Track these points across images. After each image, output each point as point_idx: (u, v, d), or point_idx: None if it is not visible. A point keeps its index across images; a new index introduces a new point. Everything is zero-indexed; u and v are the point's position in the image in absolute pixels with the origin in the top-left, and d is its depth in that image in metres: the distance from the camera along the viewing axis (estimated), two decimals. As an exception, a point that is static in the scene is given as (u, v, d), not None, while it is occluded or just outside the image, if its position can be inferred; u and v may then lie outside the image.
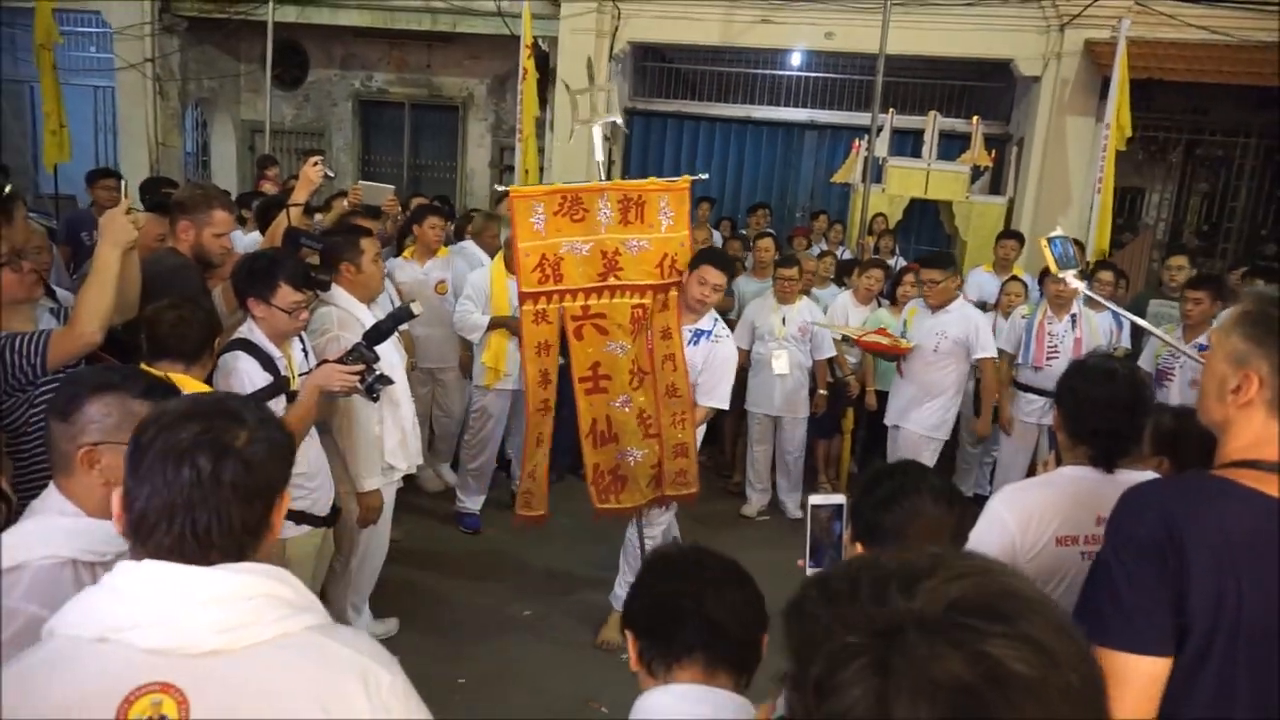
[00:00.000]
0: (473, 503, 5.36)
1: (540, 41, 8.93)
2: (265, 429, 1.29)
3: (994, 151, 9.05)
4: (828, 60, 10.03)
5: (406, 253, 5.60)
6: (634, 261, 3.85)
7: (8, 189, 2.94)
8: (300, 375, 3.16)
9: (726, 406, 4.24)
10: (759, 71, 10.50)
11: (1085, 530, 2.10)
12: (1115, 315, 5.49)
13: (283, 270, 3.07)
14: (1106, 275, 5.60)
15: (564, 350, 3.97)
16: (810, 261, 6.44)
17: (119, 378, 1.79)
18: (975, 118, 8.88)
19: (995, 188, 9.54)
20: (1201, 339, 4.80)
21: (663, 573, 1.60)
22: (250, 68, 10.95)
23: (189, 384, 2.52)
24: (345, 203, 5.74)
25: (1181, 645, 1.42)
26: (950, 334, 5.07)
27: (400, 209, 6.26)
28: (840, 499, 1.79)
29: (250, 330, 3.08)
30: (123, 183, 3.27)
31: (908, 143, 9.15)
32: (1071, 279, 3.14)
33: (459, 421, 5.70)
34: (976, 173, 8.84)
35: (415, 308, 3.28)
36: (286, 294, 3.05)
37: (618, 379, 3.94)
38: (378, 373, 3.11)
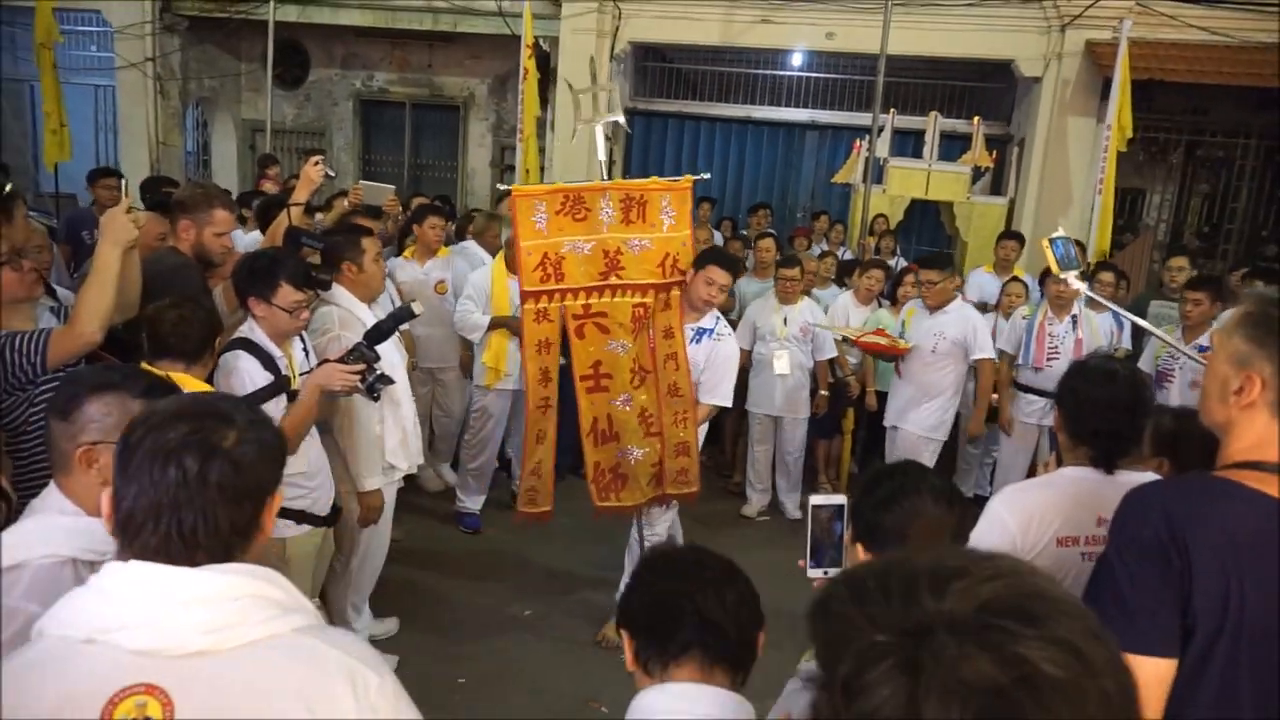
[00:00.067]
0: (473, 503, 5.36)
1: (541, 41, 8.93)
2: (255, 430, 1.29)
3: (995, 152, 9.06)
4: (828, 60, 10.03)
5: (407, 252, 5.60)
6: (635, 261, 3.85)
7: (8, 188, 2.94)
8: (301, 374, 3.16)
9: (729, 404, 4.25)
10: (760, 72, 10.50)
11: (1086, 531, 2.10)
12: (1116, 316, 5.49)
13: (283, 269, 3.07)
14: (1107, 276, 5.60)
15: (565, 350, 3.97)
16: (811, 262, 6.44)
17: (119, 377, 1.79)
18: (976, 118, 8.89)
19: (996, 188, 9.55)
20: (1202, 340, 4.80)
21: (658, 572, 1.60)
22: (251, 67, 10.95)
23: (190, 383, 2.52)
24: (346, 202, 5.74)
25: (1185, 647, 1.42)
26: (948, 334, 5.07)
27: (401, 209, 6.27)
28: (841, 499, 1.79)
29: (251, 329, 3.08)
30: (123, 182, 3.27)
31: (909, 143, 9.15)
32: (1073, 280, 3.14)
33: (459, 421, 5.70)
34: (977, 173, 8.85)
35: (416, 307, 3.29)
36: (287, 293, 3.05)
37: (619, 378, 3.94)
38: (378, 372, 3.11)
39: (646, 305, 3.90)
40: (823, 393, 5.86)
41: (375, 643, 3.91)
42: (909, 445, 5.12)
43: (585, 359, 3.93)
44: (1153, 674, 1.42)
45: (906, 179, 8.48)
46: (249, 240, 4.97)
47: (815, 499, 1.78)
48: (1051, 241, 3.07)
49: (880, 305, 6.10)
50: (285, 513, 3.13)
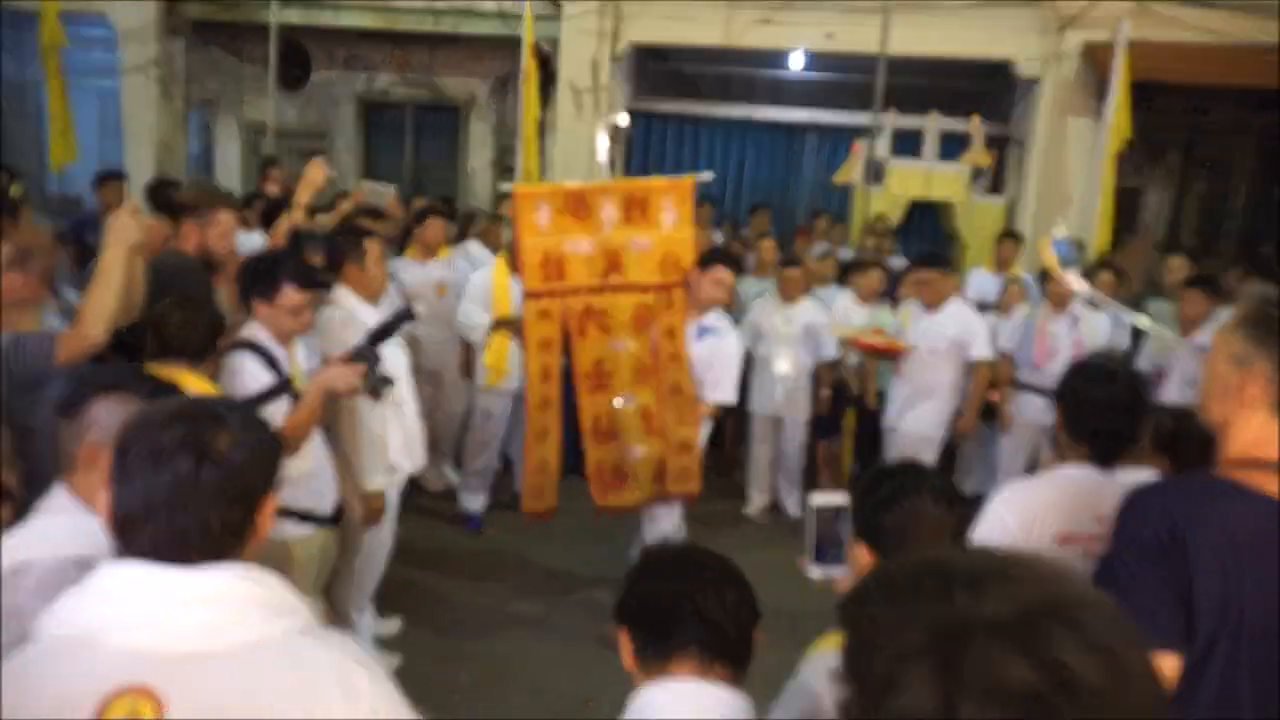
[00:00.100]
0: (475, 503, 5.37)
1: (542, 43, 8.94)
2: (248, 433, 1.29)
3: (994, 152, 9.06)
4: (828, 61, 10.02)
5: (408, 253, 5.61)
6: (636, 260, 3.87)
7: (14, 190, 2.96)
8: (304, 375, 3.17)
9: (734, 400, 4.29)
10: (760, 72, 10.50)
11: (1085, 529, 2.11)
12: (1114, 315, 5.50)
13: (286, 271, 3.08)
14: (1106, 275, 5.61)
15: (566, 349, 4.00)
16: (812, 262, 6.45)
17: (126, 379, 1.81)
18: (975, 118, 8.88)
19: (996, 188, 9.54)
20: (1199, 337, 4.81)
21: (655, 570, 1.61)
22: (254, 69, 10.94)
23: (194, 383, 2.54)
24: (348, 204, 5.75)
25: (1185, 646, 1.43)
26: (945, 334, 5.08)
27: (403, 209, 6.28)
28: (842, 499, 1.79)
29: (254, 330, 3.10)
30: (123, 184, 3.29)
31: (908, 143, 9.14)
32: (1074, 279, 3.16)
33: (460, 421, 5.71)
34: (977, 173, 8.84)
35: (418, 308, 3.30)
36: (290, 294, 3.06)
37: (620, 376, 3.97)
38: (381, 373, 3.12)
39: (648, 304, 3.92)
40: (825, 393, 5.87)
41: (378, 642, 3.92)
42: (908, 445, 5.13)
43: (587, 358, 3.96)
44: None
45: (906, 179, 8.48)
46: (251, 242, 4.99)
47: (816, 498, 1.79)
48: (1053, 241, 3.09)
49: (881, 305, 6.10)
50: (289, 513, 3.15)
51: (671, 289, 3.93)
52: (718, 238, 8.07)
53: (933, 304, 5.13)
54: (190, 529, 1.22)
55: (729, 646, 1.51)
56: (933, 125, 8.45)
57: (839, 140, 10.35)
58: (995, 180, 9.55)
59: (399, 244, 5.91)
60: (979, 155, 8.55)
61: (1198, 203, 9.83)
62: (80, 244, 6.00)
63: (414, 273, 5.48)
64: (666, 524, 4.27)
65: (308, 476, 3.17)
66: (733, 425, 6.38)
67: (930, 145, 8.46)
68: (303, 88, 11.27)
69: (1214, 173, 9.60)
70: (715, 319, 4.16)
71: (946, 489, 1.81)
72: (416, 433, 3.77)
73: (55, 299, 3.00)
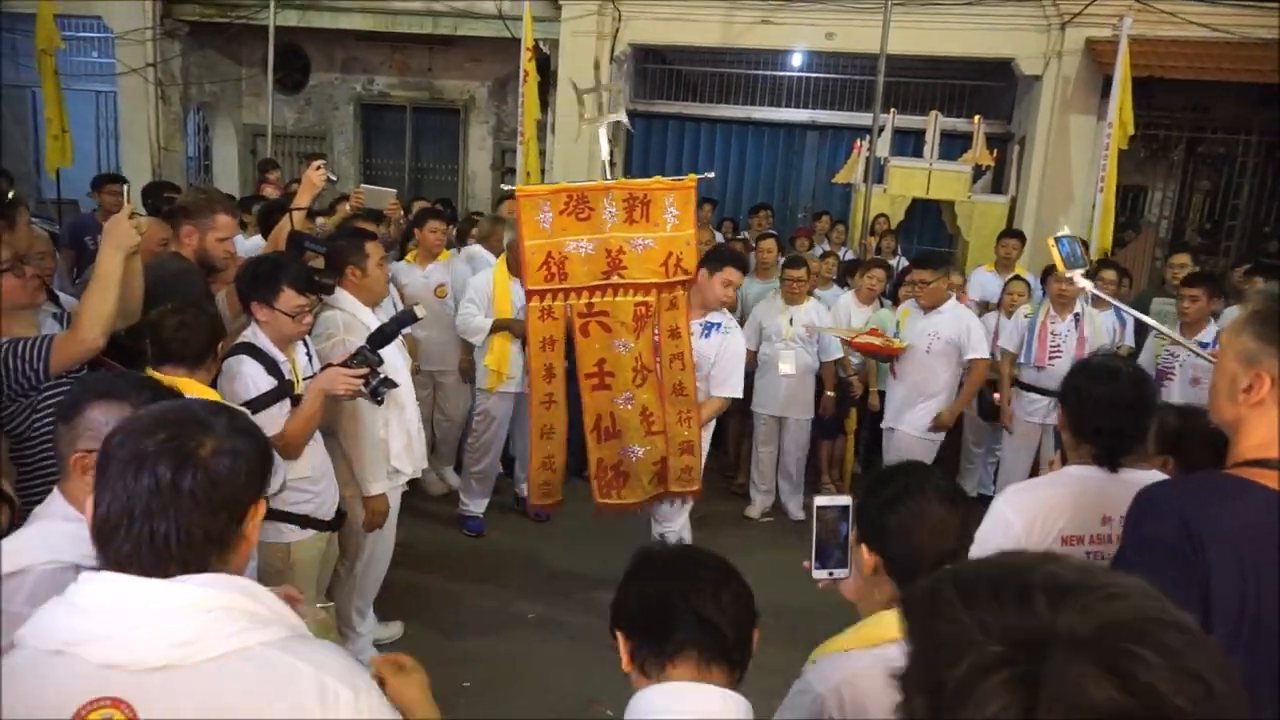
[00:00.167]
0: (476, 506, 5.36)
1: (541, 44, 8.93)
2: (235, 440, 1.27)
3: (995, 151, 9.04)
4: (828, 61, 10.02)
5: (409, 256, 5.61)
6: (638, 260, 3.88)
7: (11, 195, 2.94)
8: (305, 379, 3.16)
9: (740, 395, 4.34)
10: (760, 72, 10.50)
11: (1090, 530, 2.10)
12: (1118, 314, 5.49)
13: (286, 274, 3.07)
14: (1109, 274, 5.60)
15: (569, 349, 4.01)
16: (813, 262, 6.44)
17: (125, 386, 1.80)
18: (977, 117, 8.88)
19: (997, 187, 9.53)
20: (1202, 335, 4.79)
21: (653, 571, 1.59)
22: (252, 72, 10.96)
23: (194, 388, 2.52)
24: (348, 206, 5.75)
25: None
26: (943, 334, 5.07)
27: (402, 212, 6.27)
28: (846, 500, 1.78)
29: (254, 334, 3.08)
30: (125, 187, 3.27)
31: (909, 143, 9.14)
32: (1079, 278, 3.14)
33: (460, 424, 5.70)
34: (978, 172, 8.84)
35: (419, 310, 3.29)
36: (290, 298, 3.05)
37: (621, 376, 3.99)
38: (382, 376, 3.11)
39: (649, 304, 3.93)
40: (829, 394, 5.86)
41: (380, 646, 3.91)
42: (906, 446, 5.12)
43: (590, 357, 3.98)
44: None
45: (907, 178, 8.47)
46: (250, 245, 4.98)
47: (820, 500, 1.78)
48: (1057, 240, 3.07)
49: (882, 305, 6.09)
50: (290, 517, 3.14)
51: (675, 289, 3.94)
52: (718, 238, 8.07)
53: (929, 305, 5.12)
54: (170, 536, 1.20)
55: (727, 648, 1.49)
56: (934, 124, 8.43)
57: (839, 140, 10.35)
58: (997, 179, 9.54)
59: (399, 247, 5.90)
60: (980, 154, 8.54)
61: (1202, 199, 9.81)
62: (78, 247, 6.01)
63: (413, 275, 5.47)
64: (675, 524, 4.27)
65: (309, 481, 3.16)
66: (736, 426, 6.36)
67: (931, 144, 8.45)
68: (301, 90, 11.28)
69: (1217, 169, 9.58)
70: (721, 316, 4.21)
71: (950, 490, 1.79)
72: (418, 436, 3.76)
73: (52, 303, 2.98)
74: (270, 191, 7.13)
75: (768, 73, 10.49)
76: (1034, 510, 2.13)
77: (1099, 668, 0.63)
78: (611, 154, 4.31)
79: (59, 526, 1.67)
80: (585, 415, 4.05)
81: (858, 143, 8.95)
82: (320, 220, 5.36)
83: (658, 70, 10.72)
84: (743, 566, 1.61)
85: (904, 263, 7.46)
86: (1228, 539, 1.40)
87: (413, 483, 4.18)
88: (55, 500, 1.75)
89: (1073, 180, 8.57)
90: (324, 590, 3.57)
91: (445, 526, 5.36)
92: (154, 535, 1.19)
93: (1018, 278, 6.18)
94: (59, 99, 8.15)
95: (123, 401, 1.73)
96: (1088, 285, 3.20)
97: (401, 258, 5.64)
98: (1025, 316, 5.47)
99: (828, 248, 7.81)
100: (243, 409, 2.65)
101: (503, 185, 4.85)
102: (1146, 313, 5.45)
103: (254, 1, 9.37)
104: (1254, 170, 9.34)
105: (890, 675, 0.76)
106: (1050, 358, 5.25)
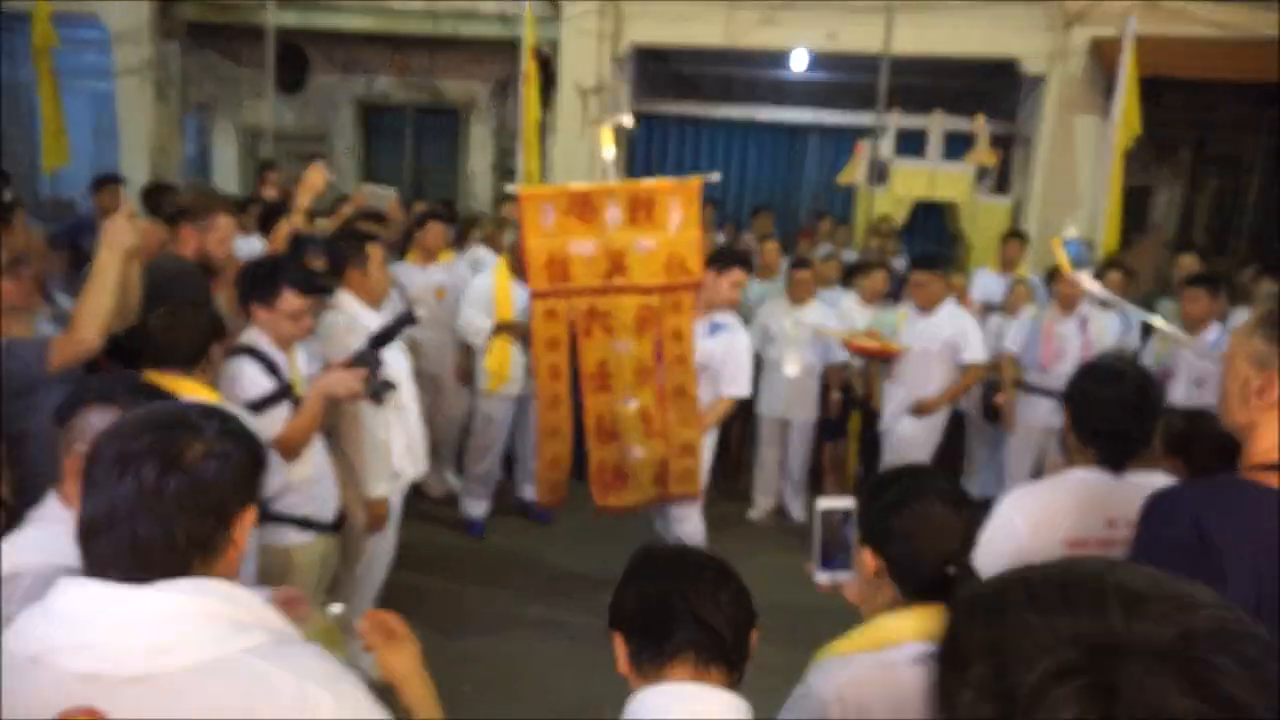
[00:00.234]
0: (477, 508, 5.35)
1: (542, 45, 8.92)
2: (224, 443, 1.25)
3: (999, 151, 9.02)
4: (831, 61, 10.00)
5: (410, 257, 5.60)
6: (640, 262, 3.88)
7: (7, 196, 2.94)
8: (305, 380, 3.15)
9: (749, 394, 4.40)
10: (761, 73, 10.48)
11: (1095, 533, 2.08)
12: (1123, 315, 5.47)
13: (285, 275, 3.06)
14: (1115, 275, 5.57)
15: (573, 350, 4.03)
16: (816, 263, 6.42)
17: (121, 390, 1.78)
18: (980, 117, 8.85)
19: (1001, 188, 9.51)
20: (1206, 336, 4.77)
21: (650, 572, 1.59)
22: (251, 72, 10.94)
23: (193, 390, 2.51)
24: (348, 208, 5.74)
25: None
26: (940, 336, 5.06)
27: (404, 213, 6.27)
28: (849, 502, 1.77)
29: (255, 336, 3.07)
30: (120, 187, 3.27)
31: (912, 143, 9.11)
32: (1086, 280, 3.13)
33: (460, 426, 5.69)
34: (982, 173, 8.81)
35: (419, 312, 3.28)
36: (289, 299, 3.04)
37: (622, 378, 4.00)
38: (382, 378, 3.10)
39: (651, 306, 3.93)
40: (835, 395, 5.84)
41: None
42: (903, 448, 5.10)
43: (591, 359, 4.00)
44: None
45: (910, 179, 8.45)
46: (249, 247, 4.97)
47: (824, 502, 1.77)
48: (1065, 242, 3.06)
49: (885, 306, 6.06)
50: (290, 520, 3.13)
51: (678, 291, 3.93)
52: (720, 239, 8.05)
53: (927, 306, 5.11)
54: (153, 540, 1.18)
55: (726, 649, 1.49)
56: (937, 125, 8.41)
57: (842, 141, 10.32)
58: (1001, 180, 9.52)
59: (400, 248, 5.89)
60: (984, 155, 8.52)
61: (1209, 200, 9.78)
62: (75, 248, 5.99)
63: (414, 277, 5.46)
64: (690, 525, 4.28)
65: (309, 483, 3.15)
66: (739, 428, 6.34)
67: (934, 145, 8.43)
68: (301, 91, 11.27)
69: (1225, 169, 9.54)
70: (725, 315, 4.22)
71: (954, 492, 1.78)
72: (419, 437, 3.75)
73: (49, 304, 2.97)
74: (269, 192, 7.12)
75: (770, 73, 10.48)
76: (1038, 513, 2.11)
77: (1179, 677, 0.62)
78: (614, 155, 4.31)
79: (55, 529, 1.66)
80: (586, 416, 4.06)
81: (860, 143, 8.93)
82: (321, 221, 5.35)
83: (659, 70, 10.70)
84: (745, 569, 1.60)
85: (907, 264, 7.44)
86: (1242, 541, 1.38)
87: (413, 485, 4.17)
88: (51, 502, 1.74)
89: (1077, 181, 8.55)
90: (324, 593, 3.56)
91: (446, 528, 5.36)
92: (135, 538, 1.18)
93: (1021, 279, 6.16)
94: (55, 98, 8.13)
95: (119, 406, 1.72)
96: (1094, 286, 3.19)
97: (402, 258, 5.63)
98: (1030, 318, 5.45)
99: (830, 249, 7.79)
100: (241, 411, 2.64)
101: (506, 187, 4.84)
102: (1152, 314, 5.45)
103: (253, 1, 9.35)
104: (1261, 170, 9.30)
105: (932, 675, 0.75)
106: (1054, 360, 5.23)
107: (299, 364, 3.19)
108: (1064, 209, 8.31)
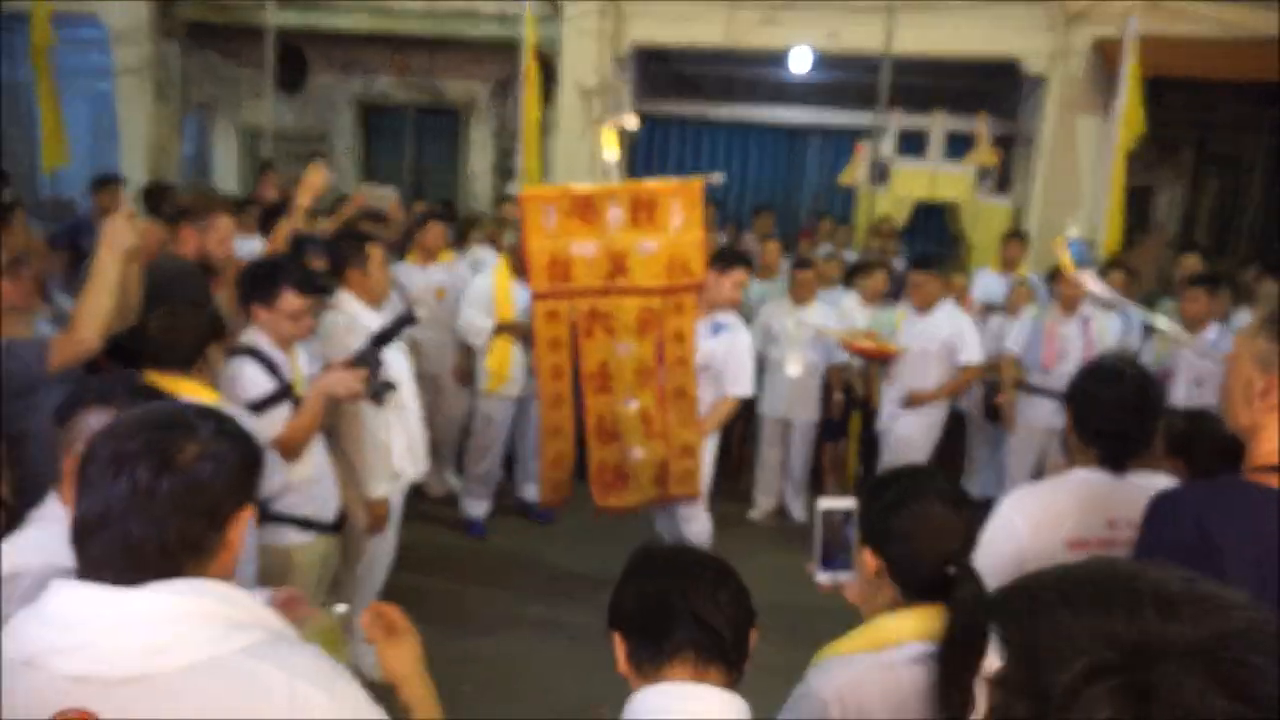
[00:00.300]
0: (477, 508, 5.35)
1: (543, 45, 8.92)
2: (219, 444, 1.25)
3: (1001, 151, 9.01)
4: (832, 61, 10.00)
5: (409, 257, 5.60)
6: (642, 263, 3.89)
7: (7, 197, 2.94)
8: (306, 380, 3.15)
9: (752, 392, 4.43)
10: (762, 73, 10.48)
11: (1096, 533, 2.08)
12: (1125, 316, 5.46)
13: (286, 275, 3.06)
14: (1117, 275, 5.57)
15: (575, 350, 4.04)
16: (817, 263, 6.42)
17: (121, 391, 1.78)
18: (981, 117, 8.85)
19: (1002, 188, 9.50)
20: (1205, 335, 4.77)
21: (649, 571, 1.58)
22: (251, 72, 10.94)
23: (193, 390, 2.51)
24: (349, 208, 5.74)
25: None
26: (937, 336, 5.06)
27: (404, 213, 6.27)
28: (850, 502, 1.77)
29: (255, 336, 3.07)
30: (119, 188, 3.27)
31: (913, 143, 9.11)
32: (1089, 280, 3.13)
33: (460, 426, 5.69)
34: (983, 173, 8.80)
35: (419, 312, 3.28)
36: (289, 299, 3.04)
37: (623, 379, 4.01)
38: (383, 378, 3.10)
39: (653, 308, 3.93)
40: (838, 396, 5.85)
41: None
42: (900, 448, 5.10)
43: (593, 359, 4.01)
44: None
45: (911, 179, 8.44)
46: (249, 247, 4.97)
47: (825, 502, 1.77)
48: (1067, 242, 3.06)
49: (886, 307, 6.06)
50: (290, 520, 3.13)
51: (680, 292, 3.93)
52: (721, 239, 8.05)
53: (924, 306, 5.11)
54: (145, 540, 1.18)
55: (725, 648, 1.48)
56: (938, 125, 8.41)
57: (843, 141, 10.31)
58: (1002, 180, 9.51)
59: (400, 248, 5.90)
60: (985, 155, 8.51)
61: (1210, 200, 9.77)
62: (75, 249, 6.00)
63: (414, 277, 5.46)
64: (698, 525, 4.31)
65: (309, 483, 3.15)
66: (740, 428, 6.34)
67: (936, 145, 8.43)
68: (301, 91, 11.27)
69: (1226, 169, 9.53)
70: (727, 315, 4.23)
71: (954, 492, 1.78)
72: (419, 438, 3.75)
73: (48, 304, 2.97)
74: (269, 193, 7.12)
75: (770, 73, 10.47)
76: (1039, 513, 2.11)
77: (1213, 677, 0.63)
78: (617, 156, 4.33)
79: (55, 529, 1.65)
80: (587, 417, 4.08)
81: (861, 144, 8.93)
82: (321, 221, 5.35)
83: (660, 70, 10.70)
84: (745, 569, 1.59)
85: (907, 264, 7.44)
86: (1244, 544, 1.38)
87: (414, 485, 4.18)
88: (52, 503, 1.74)
89: (1079, 181, 8.54)
90: (325, 593, 3.56)
91: (446, 528, 5.35)
92: (128, 538, 1.17)
93: (1023, 279, 6.15)
94: (54, 98, 8.13)
95: (116, 404, 1.72)
96: (1096, 286, 3.19)
97: (402, 259, 5.63)
98: (1031, 318, 5.45)
99: (831, 249, 7.78)
100: (240, 412, 2.64)
101: (508, 187, 4.85)
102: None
103: (253, 1, 9.35)
104: (1263, 170, 9.29)
105: (984, 677, 0.76)
106: (1056, 360, 5.22)
107: (299, 364, 3.19)
108: (1065, 209, 8.30)
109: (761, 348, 5.57)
